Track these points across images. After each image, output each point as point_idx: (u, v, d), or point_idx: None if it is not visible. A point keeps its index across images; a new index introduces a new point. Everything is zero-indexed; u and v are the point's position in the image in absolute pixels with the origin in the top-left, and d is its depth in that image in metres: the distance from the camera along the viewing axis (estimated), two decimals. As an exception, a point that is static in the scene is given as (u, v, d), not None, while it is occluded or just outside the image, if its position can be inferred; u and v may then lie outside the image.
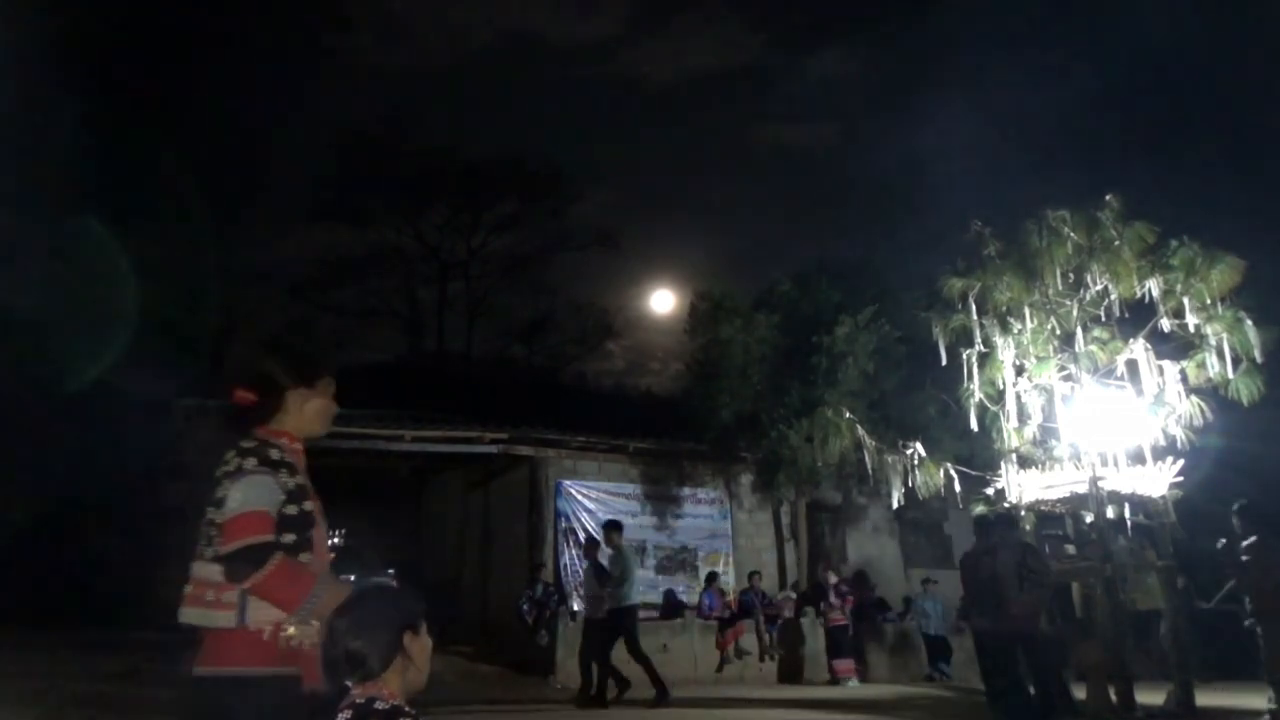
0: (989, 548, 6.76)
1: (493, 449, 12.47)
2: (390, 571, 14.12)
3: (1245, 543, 6.57)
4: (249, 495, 2.24)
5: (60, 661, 9.12)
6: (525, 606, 11.25)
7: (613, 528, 9.23)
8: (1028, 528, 8.52)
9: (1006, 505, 8.44)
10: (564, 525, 12.43)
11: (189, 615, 2.26)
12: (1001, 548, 6.61)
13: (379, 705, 1.76)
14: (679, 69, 40.52)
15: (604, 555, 9.12)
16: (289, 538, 2.26)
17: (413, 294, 25.30)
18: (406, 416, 12.92)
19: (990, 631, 6.67)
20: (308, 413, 2.48)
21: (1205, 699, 7.74)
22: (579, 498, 12.69)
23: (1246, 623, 6.69)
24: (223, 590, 2.22)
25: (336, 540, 8.50)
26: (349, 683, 1.81)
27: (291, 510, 2.30)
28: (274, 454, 2.34)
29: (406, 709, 1.80)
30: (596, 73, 38.36)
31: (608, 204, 38.30)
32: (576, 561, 12.30)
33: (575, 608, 11.79)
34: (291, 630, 2.20)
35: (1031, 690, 6.42)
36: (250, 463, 2.29)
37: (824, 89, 37.85)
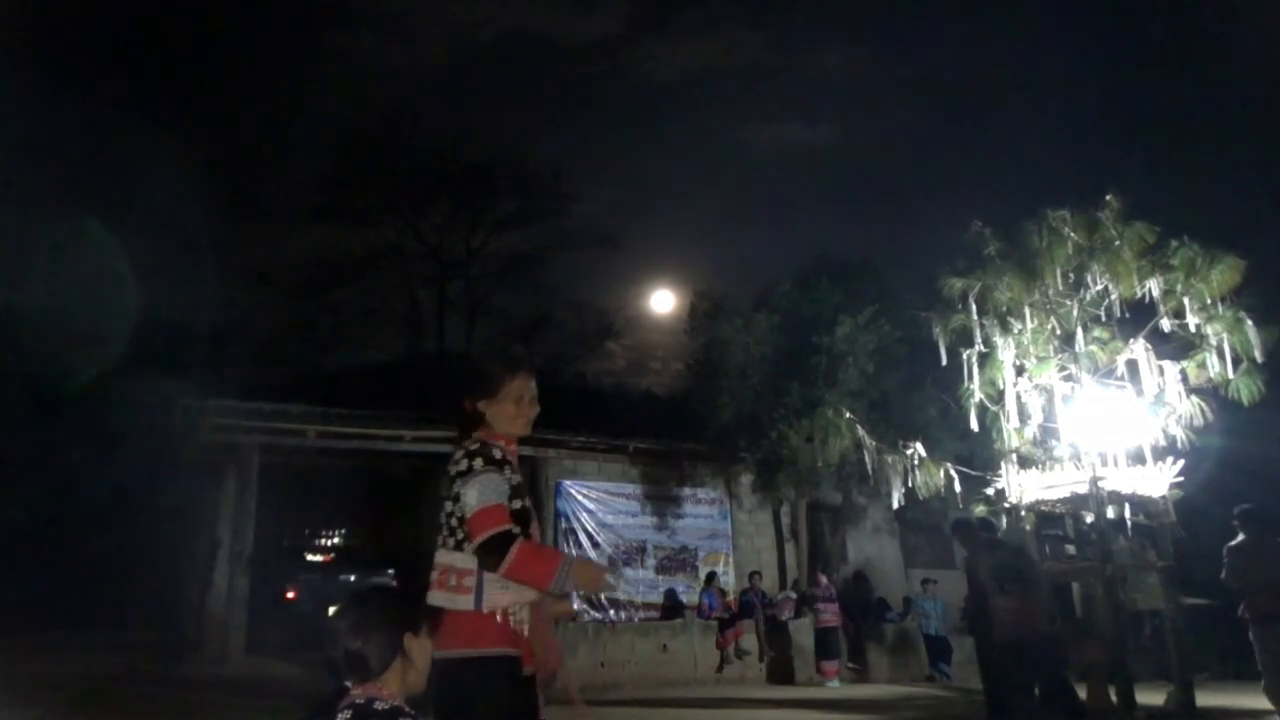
0: (973, 553, 6.82)
1: (493, 449, 12.47)
2: (390, 572, 14.11)
3: (1234, 543, 6.58)
4: (484, 491, 2.46)
5: (59, 662, 9.11)
6: (525, 607, 11.25)
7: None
8: (1027, 527, 8.52)
9: (988, 509, 8.47)
10: (564, 526, 12.43)
11: (435, 598, 2.47)
12: (978, 552, 6.66)
13: (379, 705, 1.76)
14: (680, 68, 40.49)
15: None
16: (516, 531, 2.47)
17: (412, 294, 25.28)
18: (407, 417, 12.92)
19: (977, 637, 6.71)
20: (499, 419, 2.68)
21: (1207, 699, 7.74)
22: (579, 498, 12.69)
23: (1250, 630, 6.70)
24: (464, 576, 2.44)
25: (337, 540, 8.42)
26: (348, 683, 1.81)
27: (516, 505, 2.51)
28: (496, 453, 2.56)
29: (406, 709, 1.80)
30: (597, 71, 38.36)
31: (608, 203, 38.29)
32: (576, 562, 12.31)
33: (575, 608, 11.79)
34: (520, 607, 2.41)
35: (1038, 695, 6.37)
36: (479, 462, 2.51)
37: (825, 88, 37.82)
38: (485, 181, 24.54)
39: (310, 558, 17.66)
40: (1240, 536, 6.62)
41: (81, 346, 15.09)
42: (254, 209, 20.84)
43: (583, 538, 12.46)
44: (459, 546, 2.46)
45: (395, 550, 16.71)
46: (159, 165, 17.86)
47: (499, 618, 2.41)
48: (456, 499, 2.47)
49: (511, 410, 2.67)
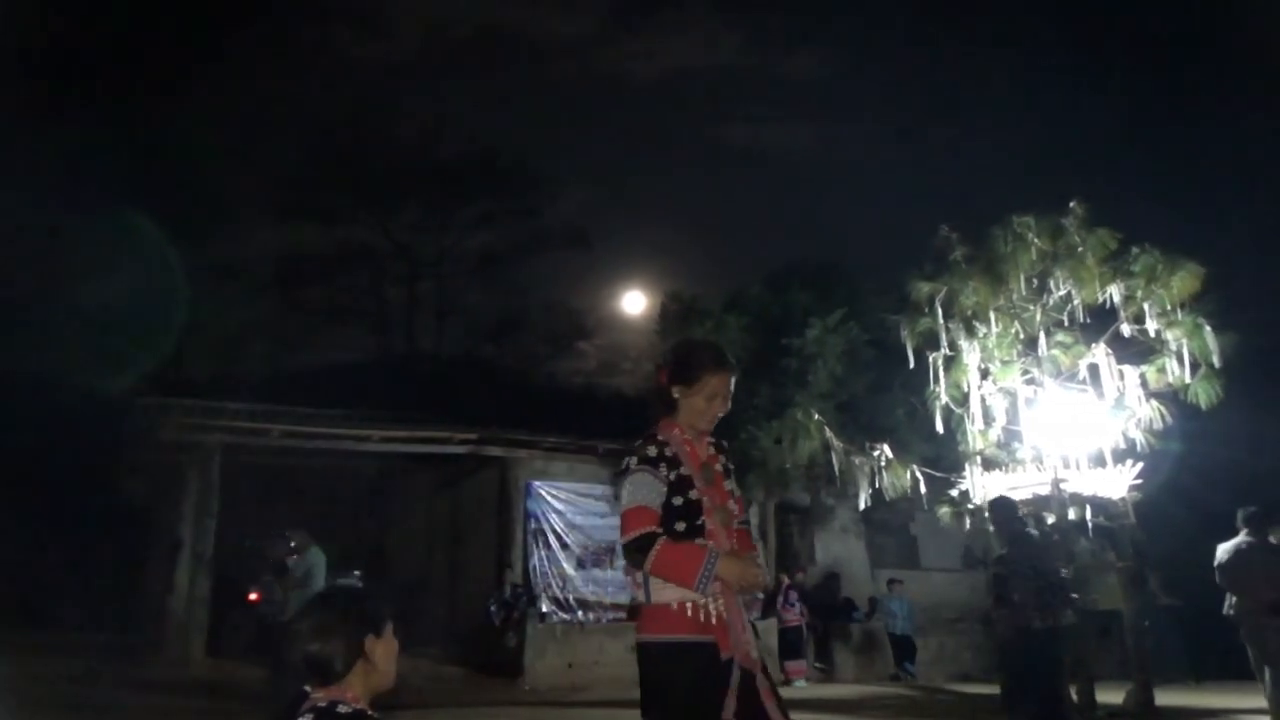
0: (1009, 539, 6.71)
1: (461, 450, 12.39)
2: (356, 573, 13.96)
3: (1234, 544, 6.72)
4: (633, 492, 2.53)
5: (14, 664, 8.88)
6: (493, 608, 11.19)
7: (298, 529, 8.46)
8: (991, 529, 8.63)
9: (951, 509, 8.55)
10: (533, 526, 12.37)
11: (632, 593, 2.58)
12: (1015, 543, 6.48)
13: (342, 709, 1.73)
14: (655, 67, 40.57)
15: (296, 557, 8.22)
16: (680, 526, 2.50)
17: (382, 293, 25.05)
18: (374, 417, 12.79)
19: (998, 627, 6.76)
20: (685, 410, 2.70)
21: (1166, 698, 7.89)
22: (548, 499, 12.64)
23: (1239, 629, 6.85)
24: (635, 572, 2.52)
25: (293, 543, 8.25)
26: (308, 688, 1.78)
27: (677, 501, 2.52)
28: (652, 450, 2.58)
29: (370, 713, 1.78)
30: (573, 70, 38.26)
31: (581, 203, 38.27)
32: (546, 563, 12.25)
33: (544, 609, 11.75)
34: (698, 601, 2.44)
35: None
36: (633, 461, 2.58)
37: (799, 90, 38.10)
38: (457, 180, 24.36)
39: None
40: (1241, 536, 6.76)
41: (37, 342, 14.76)
42: (220, 204, 20.46)
43: (551, 538, 12.42)
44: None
45: (362, 552, 16.55)
46: (121, 157, 17.51)
47: (675, 606, 2.45)
48: (617, 498, 2.58)
49: (701, 405, 2.69)
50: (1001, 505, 6.54)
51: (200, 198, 19.60)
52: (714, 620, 2.44)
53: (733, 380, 2.74)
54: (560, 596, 12.18)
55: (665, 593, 2.47)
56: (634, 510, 2.50)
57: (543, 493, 12.59)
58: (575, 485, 12.85)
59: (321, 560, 8.06)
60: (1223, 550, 6.83)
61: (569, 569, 12.39)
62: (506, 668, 10.52)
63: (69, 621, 13.15)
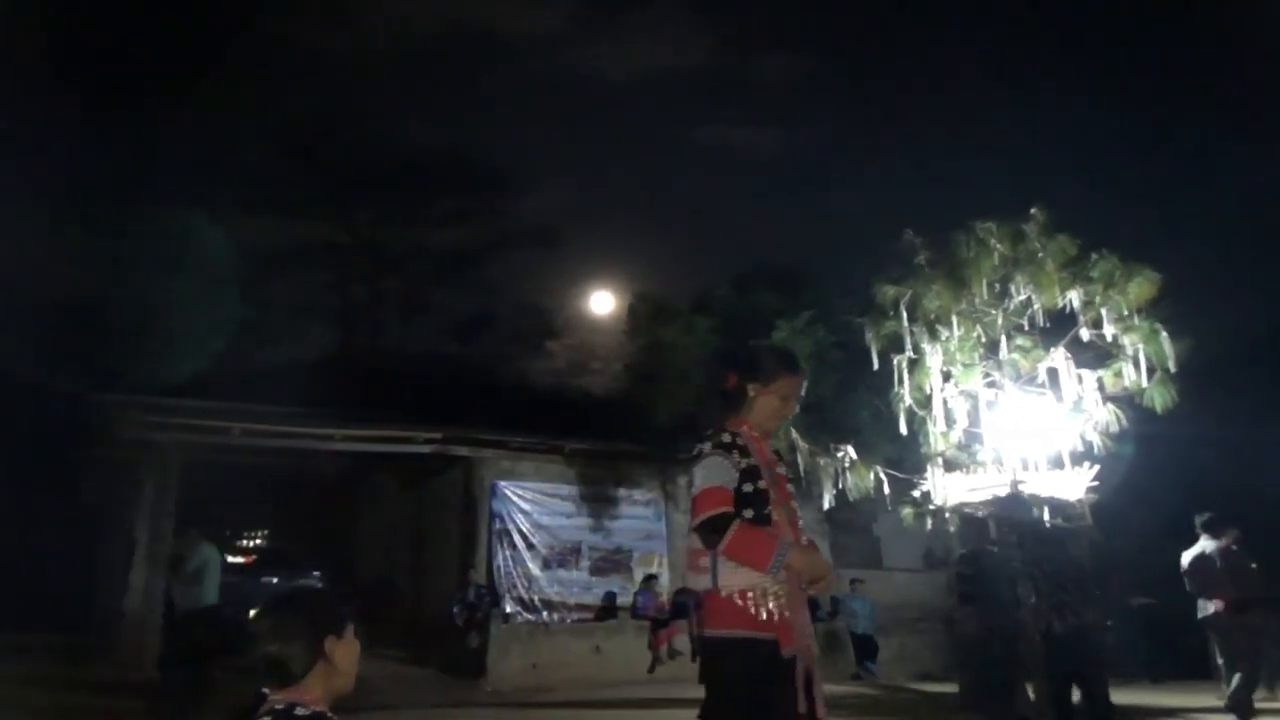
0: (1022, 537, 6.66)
1: (426, 450, 12.28)
2: (316, 573, 13.78)
3: (1198, 550, 6.90)
4: (708, 474, 2.60)
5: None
6: (456, 609, 11.11)
7: (191, 525, 8.30)
8: (951, 529, 8.75)
9: (914, 510, 8.60)
10: (498, 526, 12.31)
11: (688, 580, 2.66)
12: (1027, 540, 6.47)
13: (300, 711, 1.71)
14: (626, 67, 40.59)
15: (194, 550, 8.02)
16: (748, 513, 2.57)
17: (346, 289, 24.73)
18: (337, 416, 12.63)
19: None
20: (759, 408, 2.77)
21: (1122, 697, 8.06)
22: (514, 499, 12.57)
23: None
24: (700, 557, 2.57)
25: (260, 541, 8.18)
26: (265, 689, 1.75)
27: (747, 488, 2.60)
28: (726, 438, 2.67)
29: (329, 715, 1.75)
30: (543, 68, 38.16)
31: (550, 202, 38.15)
32: (511, 563, 12.19)
33: (508, 610, 11.69)
34: (766, 589, 2.48)
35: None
36: (706, 447, 2.66)
37: (769, 94, 38.37)
38: (424, 176, 24.15)
39: (231, 559, 17.15)
40: (1201, 542, 6.94)
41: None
42: (179, 197, 20.08)
43: (517, 539, 12.36)
44: (692, 530, 2.63)
45: (323, 552, 16.34)
46: (76, 149, 17.11)
47: (738, 600, 2.49)
48: (691, 484, 2.66)
49: (776, 404, 2.76)
50: (1014, 502, 6.42)
51: (159, 190, 19.21)
52: (775, 617, 2.50)
53: (802, 382, 2.84)
54: (525, 597, 12.14)
55: (734, 578, 2.51)
56: (709, 491, 2.57)
57: (508, 493, 12.53)
58: (542, 485, 12.80)
59: (215, 558, 7.97)
60: (1186, 557, 7.03)
61: (534, 569, 12.34)
62: (470, 668, 10.44)
63: (16, 622, 12.80)
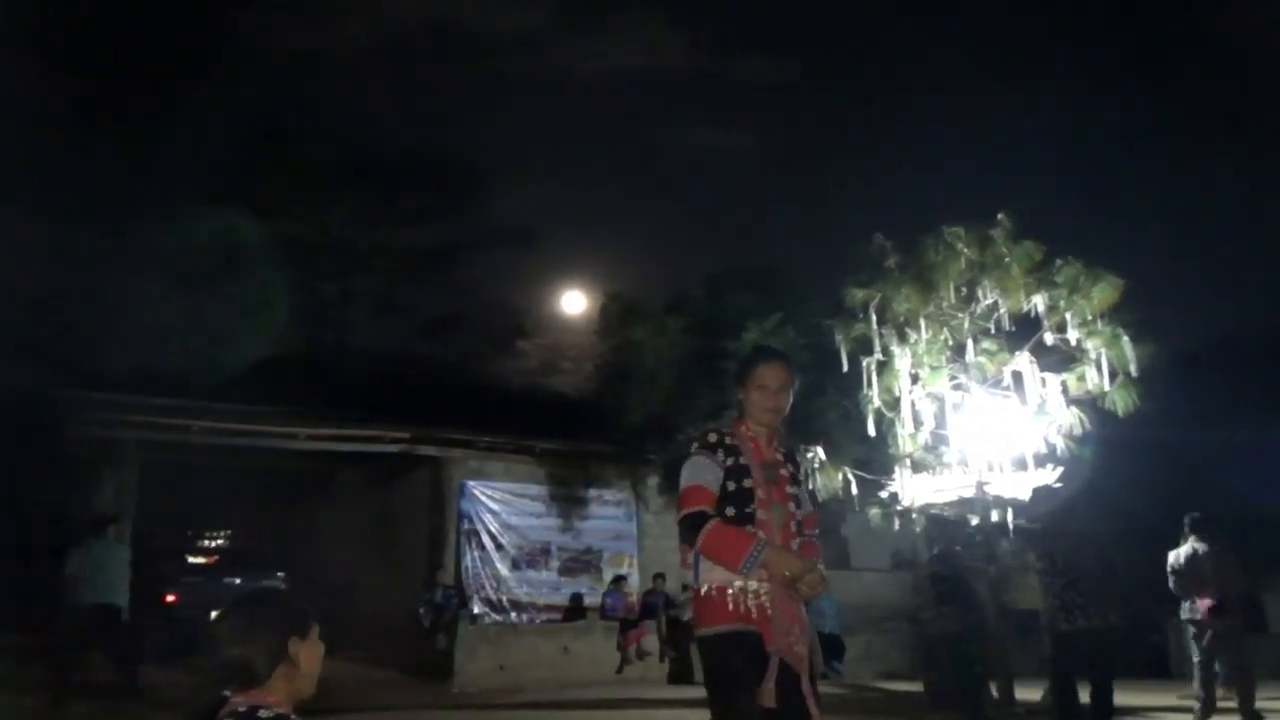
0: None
1: (394, 449, 12.15)
2: (280, 574, 13.59)
3: (1181, 552, 7.02)
4: (690, 473, 2.68)
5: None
6: (423, 610, 11.01)
7: (104, 520, 8.20)
8: (918, 529, 8.85)
9: (881, 511, 8.64)
10: (466, 527, 12.23)
11: (684, 576, 2.90)
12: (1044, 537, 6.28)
13: (263, 714, 1.68)
14: (601, 67, 40.55)
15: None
16: (730, 510, 2.61)
17: (313, 286, 24.39)
18: (303, 414, 12.46)
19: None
20: (749, 406, 2.84)
21: (1085, 696, 8.18)
22: (483, 499, 12.50)
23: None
24: (686, 553, 2.65)
25: (221, 542, 8.08)
26: (227, 692, 1.72)
27: (730, 486, 2.64)
28: (712, 437, 2.75)
29: (291, 718, 1.72)
30: (517, 66, 37.98)
31: (522, 201, 37.95)
32: (479, 564, 12.12)
33: (475, 610, 11.61)
34: (746, 587, 2.51)
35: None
36: (694, 446, 2.77)
37: (742, 95, 38.55)
38: (395, 174, 23.90)
39: (192, 560, 16.85)
40: (1191, 542, 7.06)
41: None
42: (143, 191, 19.67)
43: (486, 539, 12.29)
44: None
45: (288, 553, 16.11)
46: (37, 139, 16.71)
47: (718, 596, 2.54)
48: (659, 484, 2.77)
49: (756, 397, 2.79)
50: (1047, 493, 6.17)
51: (122, 184, 18.83)
52: (754, 613, 2.51)
53: (780, 369, 2.84)
54: (493, 597, 12.07)
55: (712, 575, 2.56)
56: (690, 489, 2.64)
57: (477, 493, 12.45)
58: (511, 485, 12.74)
59: (106, 556, 7.89)
60: (1177, 556, 7.13)
61: (503, 570, 12.28)
62: (436, 670, 10.36)
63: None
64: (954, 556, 6.98)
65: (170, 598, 12.90)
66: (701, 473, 2.67)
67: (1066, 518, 6.05)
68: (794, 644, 2.53)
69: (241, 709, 1.68)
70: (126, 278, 18.52)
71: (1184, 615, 7.34)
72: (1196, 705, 6.99)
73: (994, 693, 7.70)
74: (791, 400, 2.88)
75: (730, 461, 2.68)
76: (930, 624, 6.95)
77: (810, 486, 9.02)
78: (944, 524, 7.40)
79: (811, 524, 2.84)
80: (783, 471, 2.77)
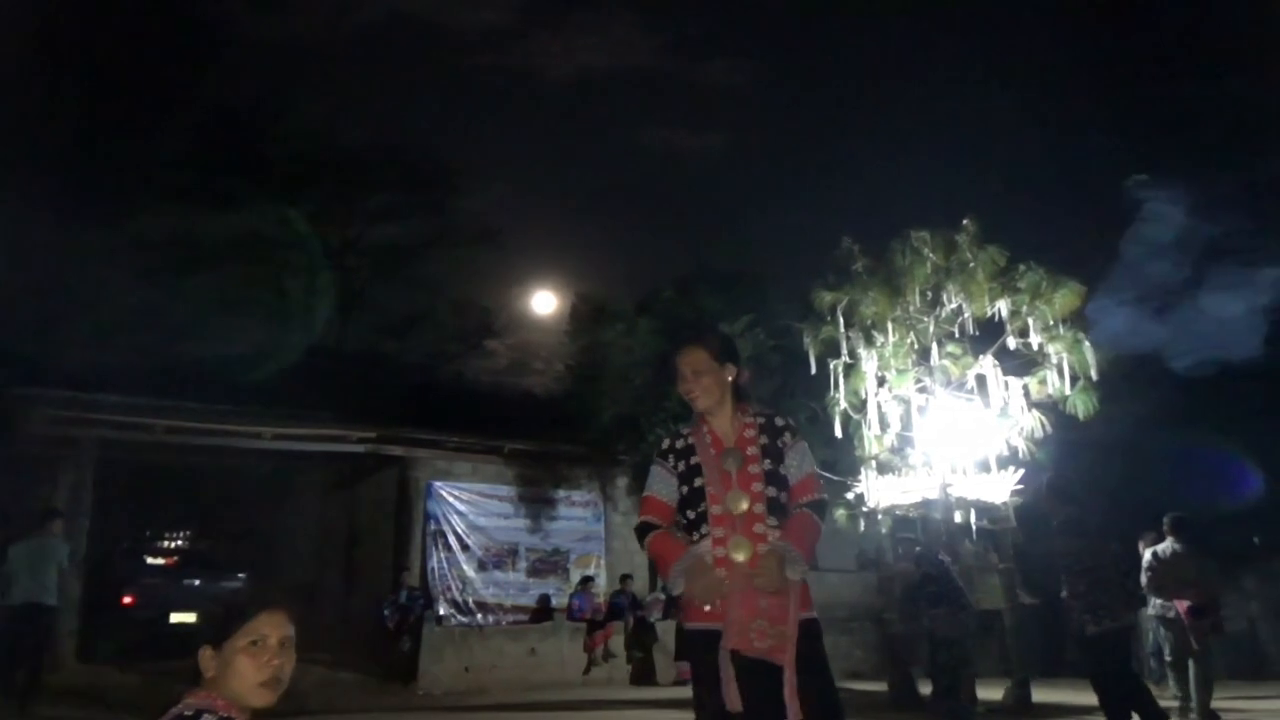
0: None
1: (360, 449, 12.01)
2: (241, 576, 13.38)
3: (1160, 550, 7.12)
4: (648, 483, 2.74)
5: None
6: (388, 611, 10.90)
7: (46, 515, 8.13)
8: (884, 530, 8.93)
9: (847, 512, 8.69)
10: (433, 528, 12.12)
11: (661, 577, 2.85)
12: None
13: (206, 718, 1.65)
14: (572, 66, 40.47)
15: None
16: (689, 514, 2.64)
17: (277, 283, 24.03)
18: (267, 413, 12.27)
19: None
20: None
21: (1042, 695, 8.31)
22: (450, 499, 12.40)
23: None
24: None
25: (181, 542, 7.93)
26: (185, 692, 1.70)
27: (684, 490, 2.66)
28: (664, 444, 2.78)
29: (236, 720, 1.69)
30: (486, 64, 37.74)
31: (492, 199, 37.70)
32: (445, 565, 12.02)
33: (441, 612, 11.52)
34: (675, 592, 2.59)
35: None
36: (655, 454, 2.76)
37: (713, 98, 38.65)
38: (362, 169, 23.63)
39: (151, 561, 16.54)
40: (1168, 542, 7.16)
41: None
42: (102, 184, 19.25)
43: (452, 540, 12.19)
44: None
45: (250, 553, 15.86)
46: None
47: (684, 594, 2.57)
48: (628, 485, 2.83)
49: (680, 387, 2.78)
50: (1058, 486, 5.58)
51: (80, 177, 18.42)
52: (716, 611, 2.51)
53: (688, 355, 2.74)
54: (459, 599, 11.98)
55: (672, 581, 2.63)
56: (644, 500, 2.74)
57: (444, 493, 12.35)
58: (479, 486, 12.65)
59: (42, 553, 7.69)
60: (1151, 555, 7.20)
61: (470, 571, 12.19)
62: (401, 672, 10.26)
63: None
64: (938, 556, 7.03)
65: (127, 599, 12.64)
66: (654, 483, 2.71)
67: (1080, 513, 5.39)
68: (755, 639, 2.45)
69: (188, 713, 1.65)
70: (85, 272, 18.13)
71: (1153, 613, 7.44)
72: (1175, 704, 7.10)
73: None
74: (725, 378, 2.72)
75: (681, 466, 2.68)
76: (933, 626, 6.76)
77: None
78: (926, 525, 7.46)
79: (806, 489, 2.66)
80: (750, 450, 2.64)
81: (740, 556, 2.51)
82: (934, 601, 6.62)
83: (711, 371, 2.73)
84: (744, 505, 2.58)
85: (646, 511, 2.69)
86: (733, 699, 2.40)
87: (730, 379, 2.76)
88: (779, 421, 2.78)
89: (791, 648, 2.45)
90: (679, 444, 2.73)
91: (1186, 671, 7.20)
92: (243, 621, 1.74)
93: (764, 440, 2.68)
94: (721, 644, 2.45)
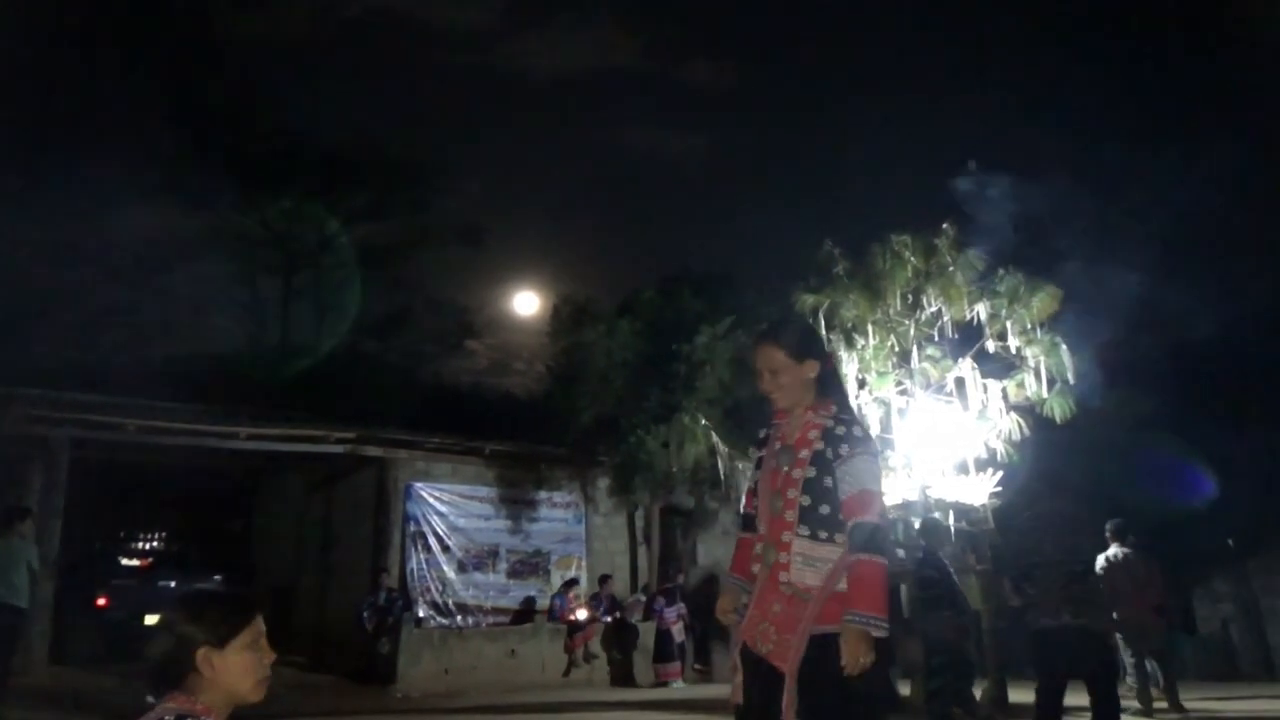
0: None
1: (338, 449, 11.91)
2: (217, 577, 13.23)
3: (1107, 555, 7.20)
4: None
5: None
6: (366, 613, 10.82)
7: (12, 515, 7.97)
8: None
9: None
10: (412, 529, 12.03)
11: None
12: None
13: (184, 723, 1.63)
14: (554, 66, 40.43)
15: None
16: (755, 505, 2.69)
17: (255, 283, 23.78)
18: (243, 413, 12.14)
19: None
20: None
21: (1019, 694, 8.38)
22: (430, 500, 12.32)
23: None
24: None
25: (156, 544, 7.80)
26: (150, 698, 1.67)
27: (753, 482, 2.73)
28: (761, 433, 2.78)
29: (217, 727, 1.67)
30: (468, 62, 37.65)
31: (473, 200, 37.60)
32: (425, 567, 11.94)
33: (420, 614, 11.45)
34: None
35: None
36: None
37: (694, 100, 38.76)
38: (342, 168, 23.42)
39: (125, 562, 16.32)
40: (1114, 548, 7.24)
41: None
42: (76, 181, 18.99)
43: (432, 541, 12.11)
44: None
45: (226, 555, 15.69)
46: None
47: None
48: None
49: (759, 387, 2.74)
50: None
51: (54, 174, 18.15)
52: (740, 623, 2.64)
53: (761, 352, 2.65)
54: (439, 600, 11.91)
55: None
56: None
57: (424, 494, 12.27)
58: (459, 487, 12.57)
59: (10, 555, 7.55)
60: (1102, 560, 7.34)
61: (449, 572, 12.12)
62: (379, 674, 10.18)
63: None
64: (940, 559, 7.07)
65: (101, 600, 12.46)
66: (752, 472, 2.81)
67: (1060, 505, 5.29)
68: (760, 641, 2.42)
69: (168, 717, 1.63)
70: (58, 270, 17.86)
71: (1115, 615, 7.55)
72: (1137, 705, 7.21)
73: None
74: (805, 375, 2.59)
75: (758, 457, 2.77)
76: (933, 629, 6.71)
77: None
78: (930, 526, 7.47)
79: (854, 509, 2.40)
80: (803, 453, 2.49)
81: (765, 561, 2.55)
82: (934, 605, 6.63)
83: (788, 370, 2.57)
84: (775, 510, 2.52)
85: (745, 500, 2.80)
86: (736, 693, 2.46)
87: (812, 375, 2.59)
88: (839, 431, 2.51)
89: (795, 658, 2.34)
90: (761, 434, 2.78)
91: (1145, 672, 7.35)
92: (247, 621, 1.75)
93: (819, 446, 2.49)
94: (734, 637, 2.55)
